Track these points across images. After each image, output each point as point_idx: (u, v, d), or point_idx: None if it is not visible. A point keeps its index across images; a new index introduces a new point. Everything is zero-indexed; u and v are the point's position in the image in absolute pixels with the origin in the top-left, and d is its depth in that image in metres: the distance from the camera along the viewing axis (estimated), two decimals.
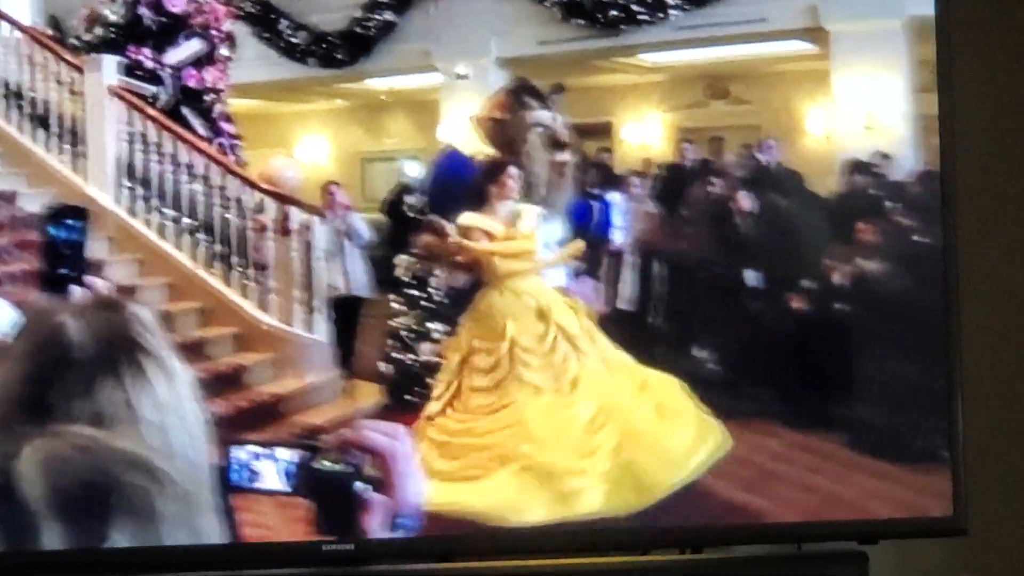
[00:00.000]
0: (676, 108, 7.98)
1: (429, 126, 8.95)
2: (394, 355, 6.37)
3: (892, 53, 6.30)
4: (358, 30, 8.78)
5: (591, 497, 4.75)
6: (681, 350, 6.00)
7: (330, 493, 1.40)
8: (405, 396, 6.27)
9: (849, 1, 6.44)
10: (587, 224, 5.73)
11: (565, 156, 5.56)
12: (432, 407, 5.56)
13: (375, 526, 1.39)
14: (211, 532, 1.21)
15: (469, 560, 3.49)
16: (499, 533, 4.25)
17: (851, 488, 4.81)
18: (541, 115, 5.64)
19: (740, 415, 5.46)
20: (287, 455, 1.44)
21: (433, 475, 4.98)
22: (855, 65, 6.42)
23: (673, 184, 6.49)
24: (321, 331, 6.59)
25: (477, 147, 5.80)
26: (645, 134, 7.93)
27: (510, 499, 4.75)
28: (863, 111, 6.27)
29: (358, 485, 1.40)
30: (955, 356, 3.58)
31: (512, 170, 5.61)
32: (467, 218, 5.64)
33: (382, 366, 6.40)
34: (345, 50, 9.02)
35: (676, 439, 4.97)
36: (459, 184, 5.89)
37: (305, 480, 1.41)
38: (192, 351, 6.04)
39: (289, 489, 1.43)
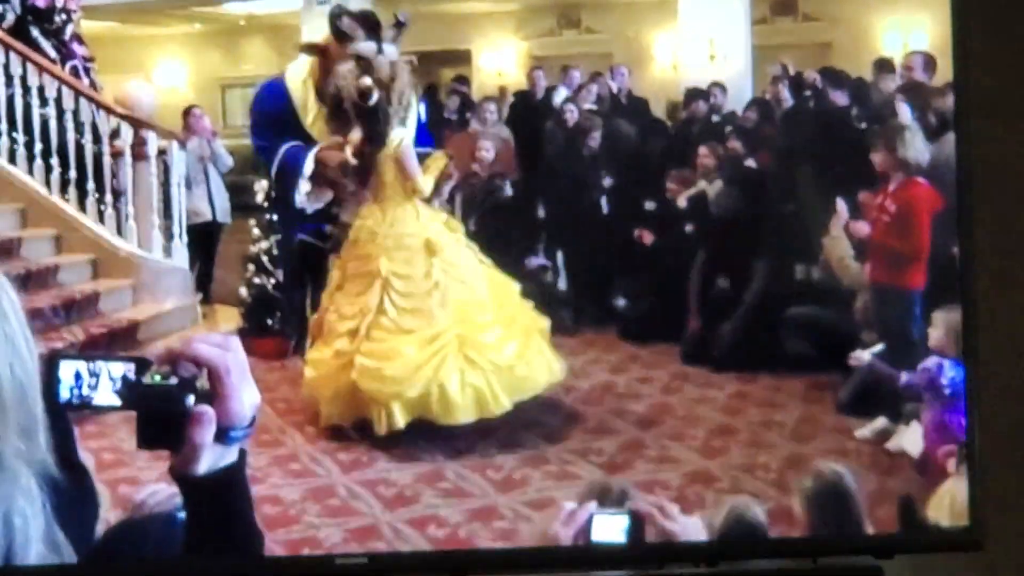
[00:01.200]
0: (530, 36, 8.11)
1: (288, 52, 8.85)
2: (254, 280, 6.41)
3: None
4: None
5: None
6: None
7: (156, 407, 1.40)
8: (264, 320, 6.33)
9: None
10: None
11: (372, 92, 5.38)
12: None
13: (203, 439, 1.41)
14: (44, 453, 1.23)
15: (482, 575, 3.48)
16: (512, 550, 4.32)
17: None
18: (362, 46, 5.49)
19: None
20: (117, 370, 1.45)
21: None
22: None
23: (525, 111, 6.64)
24: (180, 257, 6.57)
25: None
26: (501, 62, 8.04)
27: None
28: (707, 41, 6.51)
29: (185, 398, 1.42)
30: (973, 375, 3.45)
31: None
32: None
33: (242, 291, 6.43)
34: None
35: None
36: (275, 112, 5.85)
37: (132, 394, 1.42)
38: (45, 277, 5.98)
39: (118, 404, 1.44)
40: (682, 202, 5.66)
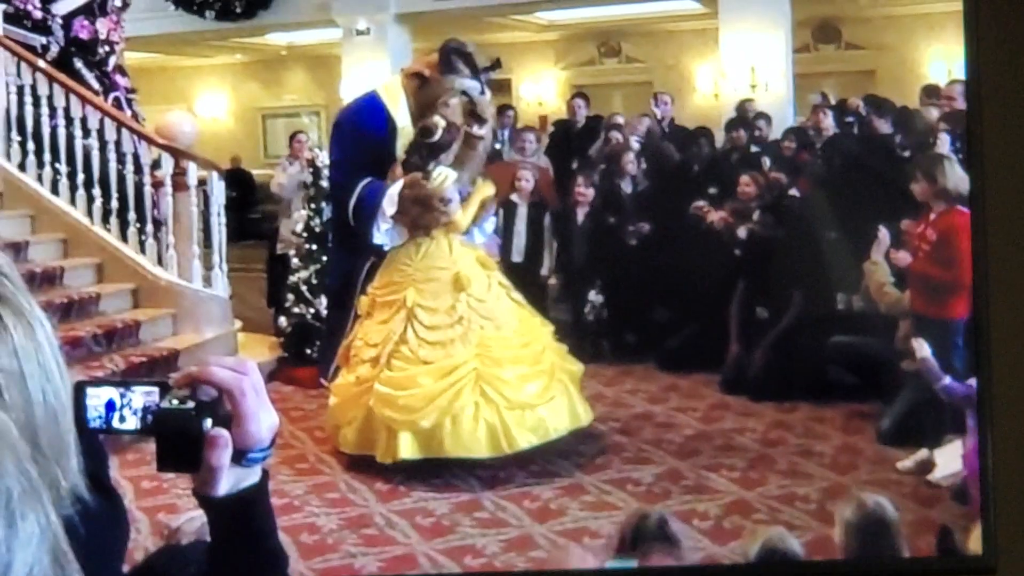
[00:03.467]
0: (571, 66, 8.14)
1: (329, 82, 8.94)
2: (293, 309, 6.44)
3: (776, 14, 6.52)
4: None
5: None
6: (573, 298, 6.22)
7: (174, 430, 1.43)
8: (303, 349, 6.36)
9: None
10: None
11: (481, 131, 5.47)
12: None
13: (220, 461, 1.42)
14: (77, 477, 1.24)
15: None
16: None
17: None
18: (468, 83, 5.53)
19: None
20: (141, 395, 1.47)
21: None
22: (741, 24, 6.61)
23: (564, 139, 6.64)
24: (220, 286, 6.63)
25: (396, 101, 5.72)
26: (541, 91, 8.06)
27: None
28: (748, 70, 6.48)
29: (202, 422, 1.44)
30: (987, 399, 3.43)
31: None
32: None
33: (281, 320, 6.47)
34: (243, 2, 8.94)
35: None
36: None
37: (151, 418, 1.45)
38: (87, 306, 6.05)
39: (137, 428, 1.46)
40: (742, 232, 5.61)
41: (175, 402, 1.42)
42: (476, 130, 5.43)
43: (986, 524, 3.36)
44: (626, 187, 6.38)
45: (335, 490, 5.13)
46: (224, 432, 1.40)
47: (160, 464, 1.42)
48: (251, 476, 1.46)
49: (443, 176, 5.36)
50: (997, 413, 3.45)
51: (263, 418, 1.43)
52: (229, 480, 1.43)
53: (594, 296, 6.18)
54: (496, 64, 5.65)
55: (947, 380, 4.36)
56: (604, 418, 5.45)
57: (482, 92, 5.52)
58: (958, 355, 4.59)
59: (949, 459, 4.19)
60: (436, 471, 5.09)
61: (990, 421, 3.42)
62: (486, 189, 5.55)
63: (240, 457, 1.44)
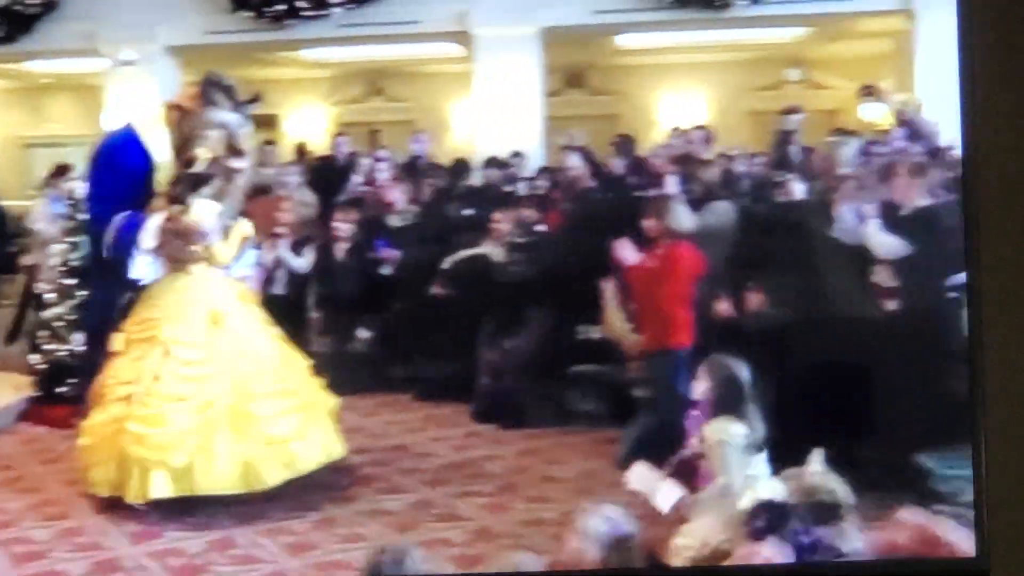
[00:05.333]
0: (338, 103, 8.26)
1: (96, 112, 8.72)
2: (44, 347, 6.26)
3: (529, 58, 6.85)
4: (16, 7, 8.43)
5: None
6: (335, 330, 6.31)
7: None
8: (55, 388, 6.18)
9: (492, 9, 6.92)
10: None
11: (239, 164, 5.48)
12: None
13: None
14: None
15: None
16: None
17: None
18: (228, 117, 5.54)
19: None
20: None
21: None
22: (496, 67, 6.91)
23: (326, 174, 6.75)
24: None
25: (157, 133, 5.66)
26: (308, 127, 8.13)
27: None
28: (503, 110, 6.77)
29: None
30: (979, 399, 3.48)
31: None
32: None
33: (32, 358, 6.27)
34: (3, 27, 8.62)
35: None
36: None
37: None
38: None
39: None
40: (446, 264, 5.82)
41: None
42: (235, 163, 5.46)
43: (979, 526, 3.41)
44: (394, 221, 6.53)
45: (84, 534, 5.02)
46: None
47: None
48: None
49: (203, 209, 5.36)
50: (990, 417, 3.50)
51: None
52: None
53: (362, 331, 6.29)
54: (256, 98, 5.70)
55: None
56: (361, 449, 5.55)
57: (242, 126, 5.56)
58: (683, 381, 4.93)
59: (668, 491, 4.43)
60: (189, 509, 5.06)
61: (983, 425, 3.47)
62: (244, 227, 5.56)
63: None
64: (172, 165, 5.53)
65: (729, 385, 4.19)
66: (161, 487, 5.03)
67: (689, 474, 4.23)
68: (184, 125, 5.53)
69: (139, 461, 5.05)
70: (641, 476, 4.25)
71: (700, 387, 4.33)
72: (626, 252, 5.14)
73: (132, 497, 5.04)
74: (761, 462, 4.09)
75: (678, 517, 4.12)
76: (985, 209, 3.76)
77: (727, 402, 4.19)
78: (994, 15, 3.75)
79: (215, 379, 5.16)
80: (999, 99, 3.77)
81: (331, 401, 5.42)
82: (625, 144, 6.35)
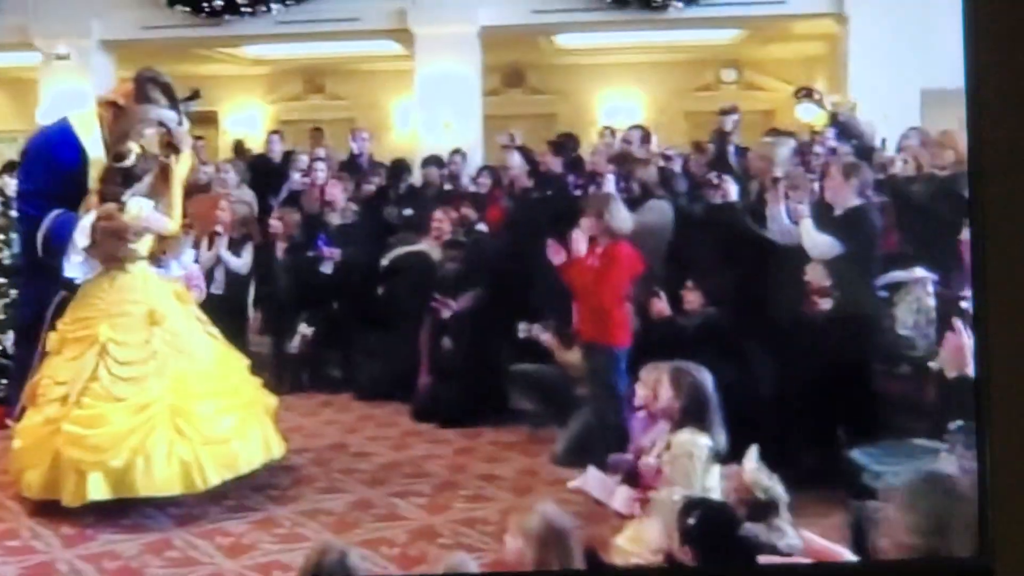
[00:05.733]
0: (276, 101, 8.23)
1: (29, 107, 8.57)
2: None
3: (468, 57, 6.87)
4: None
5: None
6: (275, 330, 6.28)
7: None
8: None
9: (432, 7, 6.94)
10: None
11: (175, 162, 5.41)
12: None
13: None
14: None
15: None
16: None
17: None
18: (164, 113, 5.45)
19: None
20: None
21: None
22: (436, 66, 6.93)
23: (263, 172, 6.71)
24: None
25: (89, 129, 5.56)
26: (247, 124, 8.09)
27: None
28: (442, 109, 6.78)
29: None
30: (984, 399, 3.39)
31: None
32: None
33: None
34: None
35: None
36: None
37: None
38: None
39: None
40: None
41: None
42: (172, 161, 5.38)
43: (982, 525, 3.35)
44: (334, 219, 6.51)
45: (16, 537, 4.93)
46: None
47: None
48: None
49: (138, 207, 5.28)
50: (994, 414, 3.38)
51: None
52: None
53: (304, 328, 6.26)
54: (195, 95, 5.61)
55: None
56: (300, 449, 5.52)
57: (180, 123, 5.49)
58: (621, 378, 4.97)
59: (623, 496, 4.46)
60: (125, 511, 5.00)
61: (988, 422, 3.38)
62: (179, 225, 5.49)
63: None
64: (105, 161, 5.44)
65: (695, 395, 4.14)
66: (98, 489, 4.94)
67: (636, 478, 4.25)
68: (120, 121, 5.41)
69: (75, 463, 4.96)
70: (595, 481, 4.27)
71: (664, 395, 4.27)
72: (581, 245, 5.12)
73: (68, 500, 4.96)
74: (716, 473, 4.11)
75: (621, 517, 4.15)
76: (991, 221, 3.79)
77: (693, 412, 4.14)
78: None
79: (153, 379, 5.09)
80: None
81: (270, 400, 5.39)
82: (564, 144, 6.38)
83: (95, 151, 5.39)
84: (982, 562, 3.36)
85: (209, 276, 6.27)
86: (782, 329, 5.01)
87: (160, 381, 5.08)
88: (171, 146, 5.39)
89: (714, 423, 4.13)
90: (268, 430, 5.28)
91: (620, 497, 4.29)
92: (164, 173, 5.38)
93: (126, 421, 4.99)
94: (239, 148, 7.14)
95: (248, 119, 7.88)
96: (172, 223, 5.31)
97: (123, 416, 5.00)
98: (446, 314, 5.79)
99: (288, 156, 6.85)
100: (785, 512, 3.78)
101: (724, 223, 5.37)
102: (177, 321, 5.24)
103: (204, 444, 5.02)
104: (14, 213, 6.06)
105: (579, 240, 5.10)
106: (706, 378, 4.18)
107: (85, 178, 5.41)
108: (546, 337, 5.43)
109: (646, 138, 6.24)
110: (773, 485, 3.80)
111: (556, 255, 5.07)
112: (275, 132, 7.16)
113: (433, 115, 6.81)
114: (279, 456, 5.30)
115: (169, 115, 5.40)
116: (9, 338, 6.09)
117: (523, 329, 5.48)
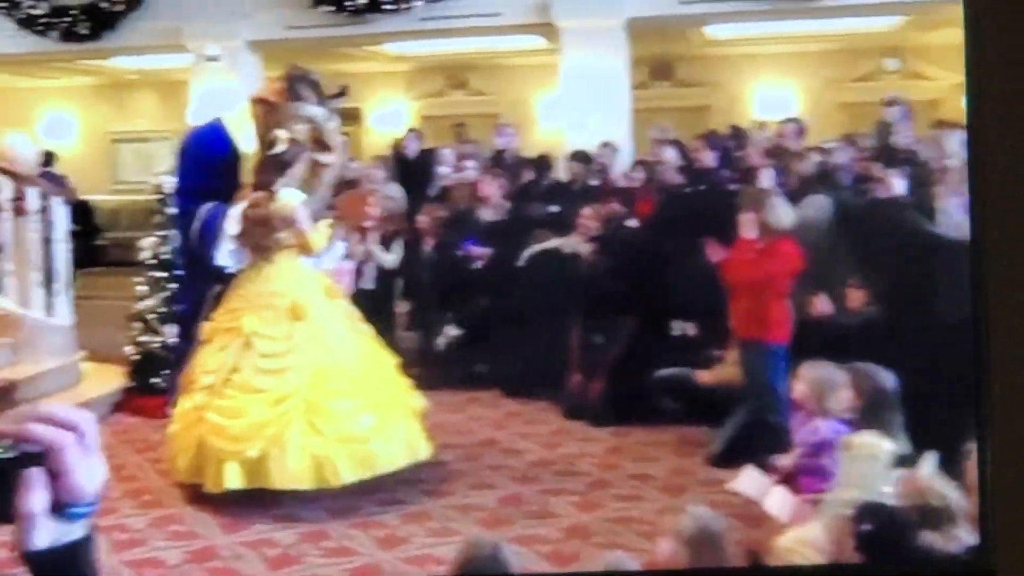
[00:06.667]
0: (420, 97, 8.27)
1: (181, 107, 8.82)
2: (139, 338, 6.34)
3: (615, 50, 6.78)
4: (103, 4, 8.55)
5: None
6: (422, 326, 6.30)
7: None
8: (149, 379, 6.27)
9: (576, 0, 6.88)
10: None
11: (327, 159, 5.47)
12: None
13: (31, 507, 1.40)
14: None
15: None
16: None
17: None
18: (314, 110, 5.53)
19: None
20: None
21: None
22: (581, 60, 6.86)
23: (406, 169, 6.74)
24: (62, 314, 6.48)
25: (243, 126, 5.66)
26: (391, 121, 8.16)
27: None
28: (589, 103, 6.70)
29: (22, 471, 1.43)
30: (985, 396, 3.52)
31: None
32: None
33: (127, 349, 6.36)
34: (88, 24, 8.75)
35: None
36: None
37: None
38: None
39: None
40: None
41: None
42: (322, 157, 5.42)
43: (984, 527, 3.45)
44: (486, 215, 6.48)
45: (179, 522, 5.07)
46: (36, 475, 1.38)
47: None
48: (74, 531, 1.44)
49: (288, 196, 5.34)
50: (996, 415, 3.52)
51: (88, 472, 1.41)
52: (49, 533, 1.40)
53: (452, 330, 6.25)
54: (343, 92, 5.65)
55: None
56: (448, 445, 5.53)
57: (329, 119, 5.54)
58: (780, 377, 4.84)
59: (780, 497, 4.33)
60: (279, 501, 5.08)
61: (989, 423, 3.52)
62: (327, 226, 5.52)
63: (62, 510, 1.42)
64: (256, 155, 5.52)
65: (877, 397, 4.03)
66: (235, 478, 5.00)
67: (793, 479, 4.13)
68: (270, 119, 5.49)
69: (216, 452, 5.06)
70: (751, 481, 4.17)
71: (843, 397, 4.17)
72: (751, 233, 4.98)
73: (210, 486, 5.06)
74: (894, 479, 3.96)
75: (783, 521, 4.04)
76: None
77: (874, 415, 4.02)
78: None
79: (292, 372, 5.13)
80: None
81: (416, 401, 5.33)
82: (718, 137, 6.24)
83: (247, 148, 5.49)
84: (983, 562, 3.14)
85: (359, 271, 6.34)
86: (950, 330, 4.80)
87: (299, 375, 5.11)
88: (321, 143, 5.44)
89: (895, 426, 3.98)
90: (413, 431, 5.23)
91: (775, 499, 4.17)
92: (315, 168, 5.42)
93: (263, 412, 5.04)
94: (396, 145, 7.13)
95: (392, 115, 7.94)
96: (317, 236, 5.33)
97: (260, 407, 5.06)
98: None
99: (429, 153, 6.86)
100: (963, 521, 3.62)
101: (888, 218, 5.17)
102: (321, 315, 5.27)
103: (340, 442, 5.01)
104: (172, 210, 6.22)
105: (748, 229, 4.96)
106: (888, 379, 4.03)
107: (238, 173, 5.51)
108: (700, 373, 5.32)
109: (801, 131, 6.07)
110: (950, 492, 3.64)
111: (715, 253, 4.96)
112: (413, 130, 7.17)
113: (578, 110, 6.74)
114: (424, 458, 5.24)
115: (319, 112, 5.46)
116: (171, 331, 6.26)
117: (676, 328, 5.40)
